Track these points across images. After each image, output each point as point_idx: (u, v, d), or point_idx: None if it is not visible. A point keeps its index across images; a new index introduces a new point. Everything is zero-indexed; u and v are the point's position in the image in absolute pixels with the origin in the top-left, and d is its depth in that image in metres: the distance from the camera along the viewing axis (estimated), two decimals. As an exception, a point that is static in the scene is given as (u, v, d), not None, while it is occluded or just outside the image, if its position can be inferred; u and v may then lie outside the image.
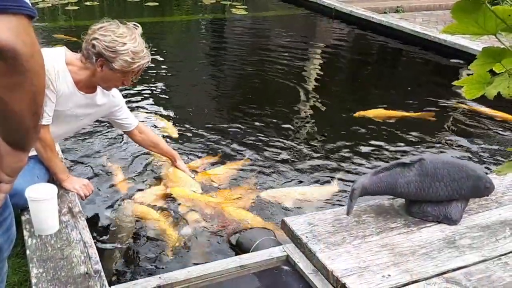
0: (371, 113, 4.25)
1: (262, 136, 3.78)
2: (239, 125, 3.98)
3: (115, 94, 2.70)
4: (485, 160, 3.57)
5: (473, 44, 6.17)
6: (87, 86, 2.46)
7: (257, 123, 4.03)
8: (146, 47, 2.39)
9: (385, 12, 8.31)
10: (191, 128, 3.89)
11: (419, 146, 3.74)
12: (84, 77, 2.41)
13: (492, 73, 0.89)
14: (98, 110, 2.63)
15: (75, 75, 2.39)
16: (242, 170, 3.20)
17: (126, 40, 2.31)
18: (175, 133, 3.68)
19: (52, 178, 2.48)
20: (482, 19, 0.74)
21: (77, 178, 2.59)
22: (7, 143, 1.01)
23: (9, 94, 0.89)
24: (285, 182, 3.12)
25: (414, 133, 3.95)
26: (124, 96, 4.29)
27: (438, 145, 3.80)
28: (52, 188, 2.12)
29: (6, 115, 0.94)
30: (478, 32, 0.78)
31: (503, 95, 0.83)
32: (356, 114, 4.20)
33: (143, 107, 4.28)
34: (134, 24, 2.42)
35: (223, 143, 3.65)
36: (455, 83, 0.95)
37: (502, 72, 0.83)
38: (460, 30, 0.81)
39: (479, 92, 0.89)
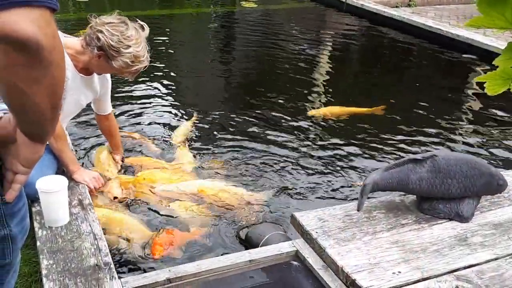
0: (323, 111, 4.11)
1: (263, 131, 3.77)
2: (240, 120, 3.97)
3: (108, 77, 2.75)
4: (496, 157, 3.53)
5: (487, 39, 6.10)
6: (85, 69, 2.51)
7: (260, 118, 4.00)
8: (147, 52, 2.40)
9: (396, 6, 8.24)
10: (197, 120, 3.90)
11: (430, 142, 3.70)
12: (82, 60, 2.44)
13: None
14: (94, 92, 2.68)
15: (73, 57, 2.43)
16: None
17: (131, 43, 2.33)
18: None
19: (62, 170, 2.48)
20: (510, 12, 0.72)
21: (87, 170, 2.60)
22: (25, 134, 1.01)
23: (30, 86, 0.89)
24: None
25: (423, 129, 3.92)
26: (133, 89, 4.34)
27: (449, 141, 3.76)
28: (63, 180, 2.12)
29: (26, 108, 0.93)
30: (504, 26, 0.76)
31: (529, 92, 0.80)
32: (309, 113, 4.08)
33: (153, 100, 4.28)
34: (142, 25, 2.42)
35: (216, 134, 3.67)
36: (477, 78, 0.93)
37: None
38: (485, 24, 0.79)
39: (502, 88, 0.86)
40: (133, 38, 2.33)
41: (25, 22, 0.82)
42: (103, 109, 2.90)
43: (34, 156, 1.05)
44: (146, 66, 2.44)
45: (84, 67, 2.48)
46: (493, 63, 0.88)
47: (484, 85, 0.90)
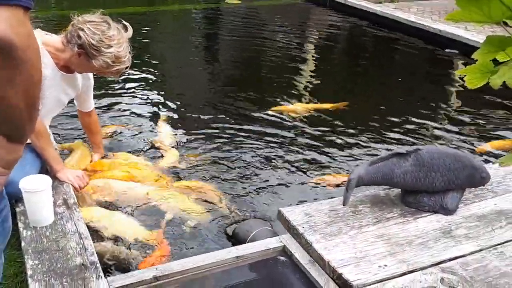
0: (286, 108, 4.06)
1: (248, 126, 3.76)
2: (223, 115, 3.95)
3: (90, 75, 2.73)
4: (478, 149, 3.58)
5: (468, 33, 6.16)
6: (66, 67, 2.48)
7: (244, 114, 3.99)
8: (129, 53, 2.38)
9: (380, 2, 8.27)
10: (181, 116, 3.89)
11: (413, 136, 3.73)
12: (63, 58, 2.42)
13: (495, 62, 0.88)
14: (76, 89, 2.65)
15: (53, 55, 2.41)
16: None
17: (113, 43, 2.31)
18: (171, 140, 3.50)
19: (46, 169, 2.45)
20: (487, 6, 0.73)
21: (71, 169, 2.57)
22: (2, 135, 0.99)
23: (5, 87, 0.87)
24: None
25: (406, 124, 3.95)
26: (117, 85, 4.31)
27: (433, 134, 3.80)
28: (46, 179, 2.10)
29: (1, 108, 0.92)
30: (481, 19, 0.77)
31: (508, 85, 0.82)
32: (273, 109, 4.02)
33: (137, 95, 4.26)
34: (125, 25, 2.41)
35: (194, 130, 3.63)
36: (457, 72, 0.94)
37: (506, 61, 0.82)
38: (463, 18, 0.80)
39: (481, 81, 0.87)
40: (114, 38, 2.32)
41: None
42: (85, 106, 2.87)
43: (13, 157, 1.03)
44: (127, 67, 2.42)
45: (65, 64, 2.46)
46: (472, 56, 0.89)
47: (464, 79, 0.91)
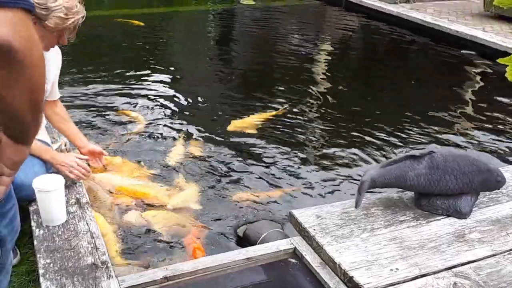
0: (238, 125, 3.78)
1: (259, 128, 3.75)
2: (236, 116, 3.94)
3: (58, 51, 2.55)
4: (495, 153, 3.53)
5: (486, 35, 6.08)
6: None
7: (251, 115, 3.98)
8: (79, 2, 2.28)
9: (395, 2, 8.21)
10: (193, 115, 3.90)
11: (427, 138, 3.70)
12: None
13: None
14: (56, 65, 2.53)
15: None
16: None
17: None
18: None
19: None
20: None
21: (62, 154, 2.45)
22: (8, 136, 0.99)
23: (7, 90, 0.87)
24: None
25: (420, 125, 3.91)
26: (132, 87, 4.33)
27: (448, 136, 3.75)
28: (59, 179, 2.11)
29: (5, 111, 0.92)
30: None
31: None
32: (229, 128, 3.73)
33: (152, 101, 4.27)
34: None
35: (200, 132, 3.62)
36: (499, 60, 0.88)
37: None
38: None
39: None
40: None
41: None
42: (54, 93, 2.63)
43: (19, 158, 1.03)
44: (84, 17, 2.28)
45: None
46: None
47: (506, 69, 0.86)
